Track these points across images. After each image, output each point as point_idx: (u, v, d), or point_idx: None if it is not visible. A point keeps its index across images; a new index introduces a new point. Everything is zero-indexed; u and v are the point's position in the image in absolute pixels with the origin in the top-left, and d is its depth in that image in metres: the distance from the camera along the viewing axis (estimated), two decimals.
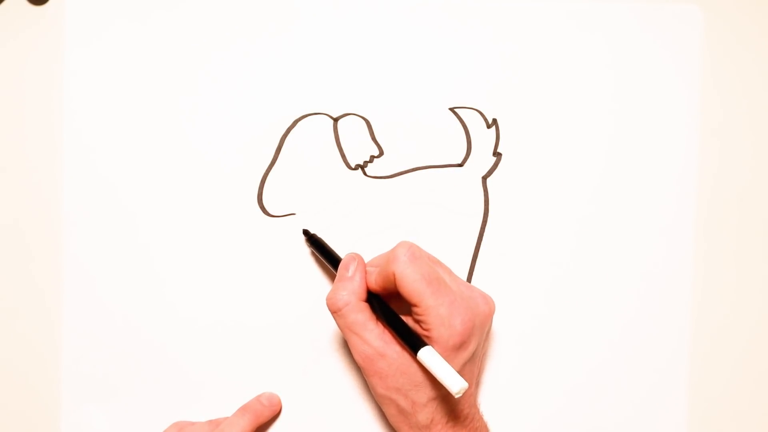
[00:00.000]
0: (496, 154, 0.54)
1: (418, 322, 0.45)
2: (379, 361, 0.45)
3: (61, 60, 0.54)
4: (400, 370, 0.45)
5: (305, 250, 0.54)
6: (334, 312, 0.47)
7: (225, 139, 0.54)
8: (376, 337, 0.46)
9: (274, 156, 0.54)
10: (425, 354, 0.43)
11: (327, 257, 0.52)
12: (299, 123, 0.54)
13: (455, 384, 0.42)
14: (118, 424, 0.54)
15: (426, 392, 0.45)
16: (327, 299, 0.47)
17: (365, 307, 0.47)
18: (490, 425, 0.51)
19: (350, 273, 0.47)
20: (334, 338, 0.54)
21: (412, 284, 0.44)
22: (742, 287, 0.55)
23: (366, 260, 0.50)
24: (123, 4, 0.54)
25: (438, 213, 0.54)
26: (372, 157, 0.54)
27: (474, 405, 0.48)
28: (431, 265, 0.46)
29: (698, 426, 0.54)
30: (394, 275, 0.45)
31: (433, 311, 0.44)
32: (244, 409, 0.52)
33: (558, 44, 0.54)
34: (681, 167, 0.54)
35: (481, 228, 0.54)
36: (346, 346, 0.54)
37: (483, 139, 0.54)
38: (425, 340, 0.45)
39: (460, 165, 0.54)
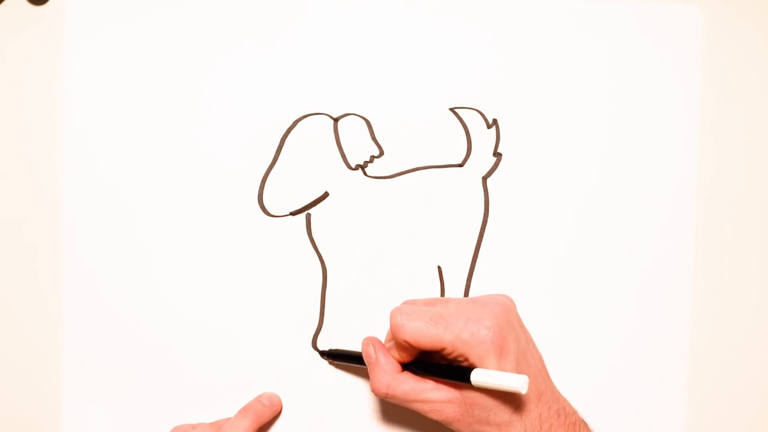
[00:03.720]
0: (496, 154, 0.54)
1: (454, 360, 0.46)
2: (447, 408, 0.46)
3: (61, 60, 0.54)
4: (469, 405, 0.45)
5: (305, 249, 0.54)
6: (384, 397, 0.48)
7: (225, 139, 0.54)
8: (431, 391, 0.46)
9: (275, 156, 0.54)
10: (477, 376, 0.44)
11: (353, 360, 0.52)
12: (299, 123, 0.54)
13: (516, 383, 0.42)
14: (119, 424, 0.54)
15: (503, 410, 0.45)
16: (372, 390, 0.48)
17: (405, 376, 0.48)
18: None
19: (374, 357, 0.48)
20: None
21: (424, 338, 0.45)
22: (741, 287, 0.55)
23: (380, 337, 0.51)
24: (123, 4, 0.54)
25: (438, 213, 0.54)
26: (372, 157, 0.54)
27: (558, 398, 0.47)
28: (427, 309, 0.47)
29: (698, 426, 0.54)
30: (406, 342, 0.46)
31: (457, 342, 0.45)
32: (245, 410, 0.52)
33: (558, 44, 0.54)
34: (680, 167, 0.54)
35: (481, 228, 0.54)
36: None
37: (483, 139, 0.54)
38: (470, 366, 0.45)
39: (460, 165, 0.54)
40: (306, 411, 0.54)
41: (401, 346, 0.47)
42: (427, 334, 0.45)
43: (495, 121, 0.54)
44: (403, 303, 0.49)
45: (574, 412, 0.48)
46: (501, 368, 0.44)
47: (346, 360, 0.53)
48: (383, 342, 0.50)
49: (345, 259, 0.54)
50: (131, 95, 0.54)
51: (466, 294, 0.54)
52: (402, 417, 0.54)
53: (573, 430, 0.47)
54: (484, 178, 0.54)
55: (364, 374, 0.54)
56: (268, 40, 0.54)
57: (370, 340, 0.49)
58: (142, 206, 0.54)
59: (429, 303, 0.48)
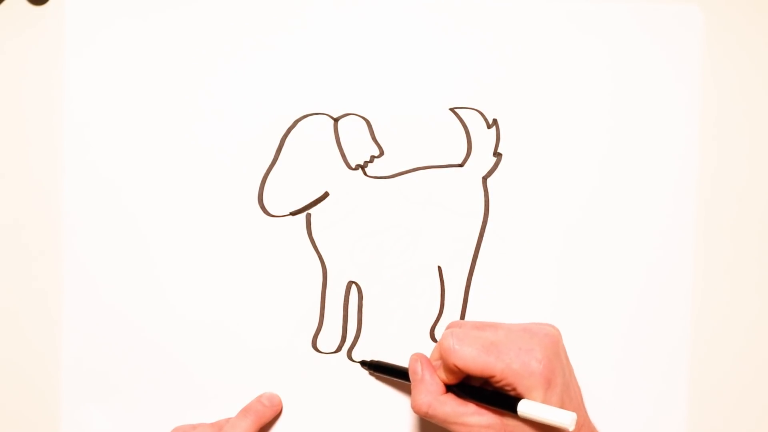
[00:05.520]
0: (496, 154, 0.54)
1: (501, 388, 0.46)
2: None
3: (61, 60, 0.54)
4: None
5: (305, 249, 0.54)
6: (423, 416, 0.48)
7: (225, 139, 0.54)
8: (472, 415, 0.46)
9: (275, 156, 0.54)
10: (524, 407, 0.44)
11: (395, 374, 0.52)
12: (299, 123, 0.54)
13: (565, 419, 0.43)
14: (119, 424, 0.54)
15: None
16: (412, 407, 0.48)
17: (448, 397, 0.47)
18: None
19: (420, 374, 0.48)
20: None
21: (474, 364, 0.45)
22: (741, 286, 0.55)
23: (427, 354, 0.50)
24: (123, 3, 0.54)
25: (438, 213, 0.54)
26: (372, 157, 0.54)
27: (592, 430, 0.48)
28: (479, 334, 0.47)
29: (698, 426, 0.54)
30: (456, 367, 0.46)
31: (508, 371, 0.45)
32: (246, 411, 0.52)
33: (558, 44, 0.54)
34: (681, 167, 0.54)
35: (481, 228, 0.54)
36: None
37: (483, 139, 0.54)
38: (516, 396, 0.45)
39: (460, 165, 0.54)
40: (306, 411, 0.54)
41: (449, 368, 0.47)
42: (478, 361, 0.45)
43: (495, 121, 0.54)
44: (451, 324, 0.48)
45: None
46: (547, 401, 0.44)
47: (388, 373, 0.53)
48: (430, 360, 0.50)
49: (345, 259, 0.54)
50: (131, 95, 0.54)
51: (466, 294, 0.54)
52: (403, 417, 0.54)
53: None
54: (484, 178, 0.54)
55: (367, 374, 0.54)
56: (268, 40, 0.54)
57: (419, 357, 0.49)
58: (142, 206, 0.54)
59: (478, 327, 0.48)
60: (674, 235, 0.54)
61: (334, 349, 0.54)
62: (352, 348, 0.54)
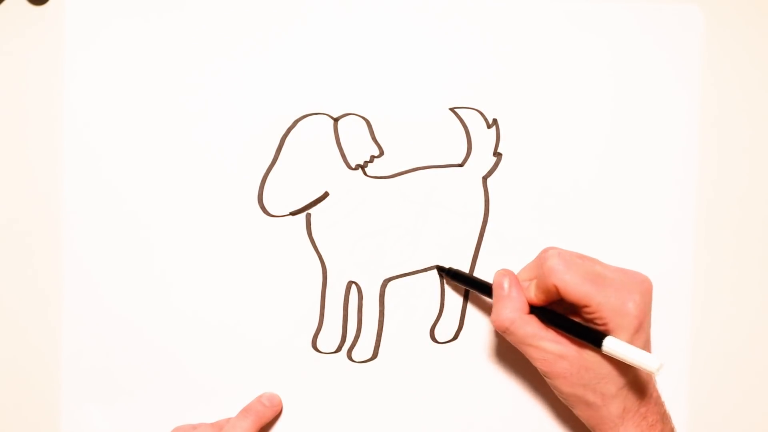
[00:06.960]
0: (496, 154, 0.54)
1: (591, 320, 0.45)
2: (559, 363, 0.46)
3: (61, 60, 0.54)
4: (583, 367, 0.45)
5: (305, 249, 0.54)
6: (503, 331, 0.47)
7: (225, 139, 0.54)
8: (551, 342, 0.46)
9: (275, 156, 0.54)
10: (611, 343, 0.43)
11: (474, 285, 0.52)
12: (299, 123, 0.54)
13: (653, 362, 0.42)
14: (119, 424, 0.54)
15: (614, 382, 0.46)
16: (492, 321, 0.48)
17: (531, 318, 0.47)
18: (493, 424, 0.51)
19: (506, 290, 0.48)
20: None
21: (576, 290, 0.45)
22: (742, 287, 0.55)
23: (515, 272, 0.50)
24: (123, 3, 0.54)
25: (438, 213, 0.54)
26: (372, 157, 0.54)
27: (656, 387, 0.48)
28: (585, 264, 0.46)
29: (698, 426, 0.54)
30: (555, 287, 0.45)
31: (605, 306, 0.44)
32: (246, 411, 0.52)
33: (558, 44, 0.54)
34: (681, 167, 0.54)
35: (481, 228, 0.54)
36: None
37: (483, 139, 0.54)
38: (604, 332, 0.45)
39: (460, 165, 0.54)
40: (306, 411, 0.54)
41: (545, 288, 0.46)
42: (579, 287, 0.45)
43: (495, 121, 0.54)
44: (552, 248, 0.47)
45: (664, 404, 0.48)
46: (632, 343, 0.44)
47: (468, 284, 0.52)
48: (517, 277, 0.49)
49: (345, 259, 0.54)
50: (131, 95, 0.54)
51: (466, 294, 0.54)
52: (402, 417, 0.54)
53: (662, 420, 0.47)
54: (484, 178, 0.54)
55: (368, 374, 0.54)
56: (268, 40, 0.54)
57: (507, 273, 0.49)
58: (142, 206, 0.54)
59: (580, 257, 0.47)
60: (674, 235, 0.54)
61: (334, 349, 0.54)
62: (352, 348, 0.54)
